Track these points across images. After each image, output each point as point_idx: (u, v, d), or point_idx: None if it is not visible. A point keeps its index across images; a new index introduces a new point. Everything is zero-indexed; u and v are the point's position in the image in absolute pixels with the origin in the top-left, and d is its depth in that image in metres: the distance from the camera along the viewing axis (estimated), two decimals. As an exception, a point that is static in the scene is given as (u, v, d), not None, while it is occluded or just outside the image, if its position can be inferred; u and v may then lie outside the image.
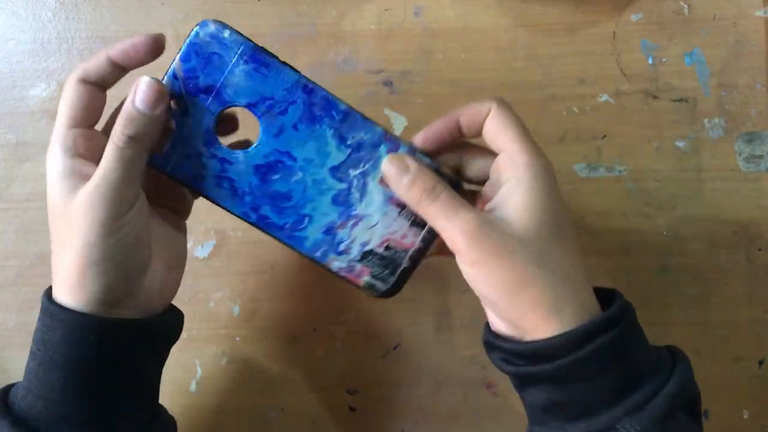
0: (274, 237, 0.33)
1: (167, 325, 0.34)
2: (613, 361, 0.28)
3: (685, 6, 0.46)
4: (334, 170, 0.32)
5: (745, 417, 0.43)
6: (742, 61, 0.45)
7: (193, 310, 0.44)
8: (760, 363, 0.44)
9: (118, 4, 0.46)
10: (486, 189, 0.33)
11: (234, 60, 0.30)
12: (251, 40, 0.31)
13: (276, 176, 0.32)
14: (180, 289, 0.44)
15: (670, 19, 0.46)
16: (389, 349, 0.45)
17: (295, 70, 0.31)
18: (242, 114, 0.33)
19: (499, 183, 0.31)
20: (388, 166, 0.31)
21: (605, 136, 0.45)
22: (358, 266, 0.33)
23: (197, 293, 0.44)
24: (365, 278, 0.33)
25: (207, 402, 0.44)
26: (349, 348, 0.45)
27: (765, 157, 0.45)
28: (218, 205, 0.32)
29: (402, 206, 0.32)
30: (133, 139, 0.29)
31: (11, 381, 0.31)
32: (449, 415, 0.44)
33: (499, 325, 0.31)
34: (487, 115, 0.31)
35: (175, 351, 0.43)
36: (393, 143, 0.32)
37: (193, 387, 0.44)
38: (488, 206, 0.31)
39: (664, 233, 0.44)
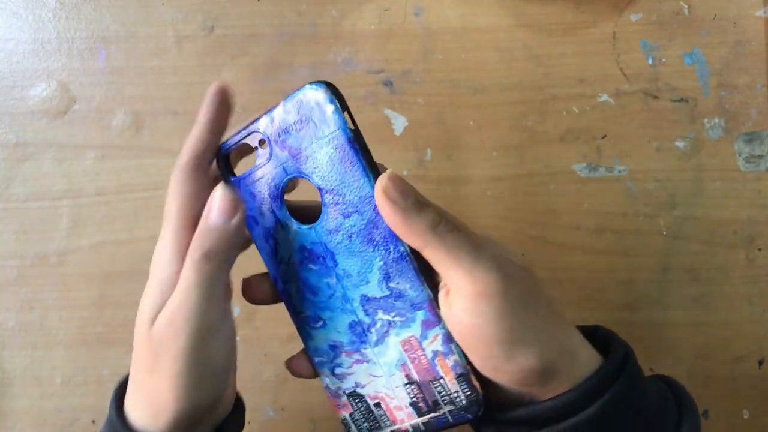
0: (291, 317, 0.31)
1: (239, 422, 0.32)
2: (623, 414, 0.26)
3: (685, 6, 0.46)
4: (365, 300, 0.29)
5: (745, 417, 0.43)
6: (742, 61, 0.45)
7: (193, 310, 0.44)
8: (760, 363, 0.44)
9: (118, 4, 0.46)
10: None
11: (325, 138, 0.27)
12: (350, 128, 0.27)
13: (313, 267, 0.29)
14: (180, 289, 0.44)
15: (670, 19, 0.46)
16: (389, 349, 0.45)
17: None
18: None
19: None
20: (379, 189, 0.26)
21: (605, 136, 0.45)
22: (344, 399, 0.31)
23: (197, 293, 0.44)
24: (345, 414, 0.31)
25: (207, 402, 0.44)
26: (349, 348, 0.45)
27: (765, 157, 0.45)
28: (261, 254, 0.31)
29: (410, 381, 0.29)
30: (208, 255, 0.26)
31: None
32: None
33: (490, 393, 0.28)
34: None
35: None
36: (433, 316, 0.28)
37: (193, 387, 0.44)
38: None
39: (664, 233, 0.44)
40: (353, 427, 0.31)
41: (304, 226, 0.29)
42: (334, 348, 0.30)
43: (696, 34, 0.45)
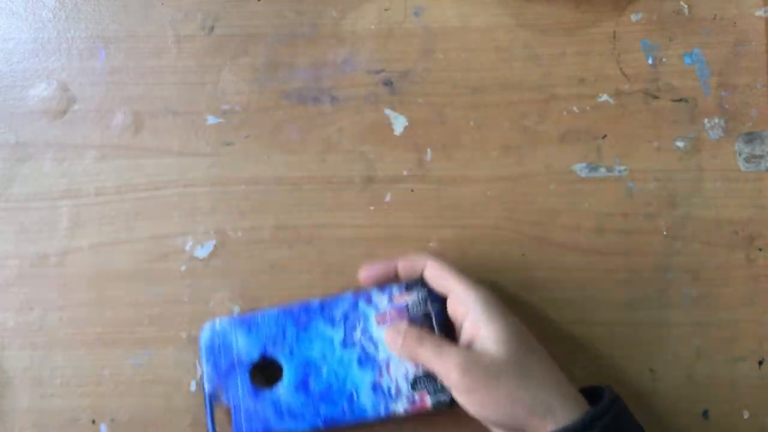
0: (344, 425, 0.37)
1: None
2: None
3: (685, 6, 0.46)
4: (343, 345, 0.38)
5: (745, 417, 0.43)
6: (742, 61, 0.45)
7: (193, 310, 0.44)
8: (760, 363, 0.44)
9: (118, 3, 0.46)
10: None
11: (234, 335, 0.39)
12: (237, 316, 0.39)
13: (312, 381, 0.38)
14: (180, 289, 0.44)
15: (670, 19, 0.46)
16: (389, 349, 0.45)
17: (274, 310, 0.39)
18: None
19: (458, 320, 0.37)
20: (386, 337, 0.38)
21: (605, 136, 0.45)
22: (416, 395, 0.37)
23: (197, 293, 0.44)
24: (429, 400, 0.37)
25: (207, 402, 0.44)
26: (349, 348, 0.45)
27: (765, 157, 0.45)
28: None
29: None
30: None
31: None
32: (449, 415, 0.44)
33: None
34: (424, 266, 0.38)
35: (174, 351, 0.43)
36: (365, 296, 0.39)
37: (192, 387, 0.44)
38: (461, 344, 0.36)
39: (664, 233, 0.44)
40: (441, 396, 0.38)
41: (279, 384, 0.38)
42: (375, 386, 0.38)
43: (696, 34, 0.45)
